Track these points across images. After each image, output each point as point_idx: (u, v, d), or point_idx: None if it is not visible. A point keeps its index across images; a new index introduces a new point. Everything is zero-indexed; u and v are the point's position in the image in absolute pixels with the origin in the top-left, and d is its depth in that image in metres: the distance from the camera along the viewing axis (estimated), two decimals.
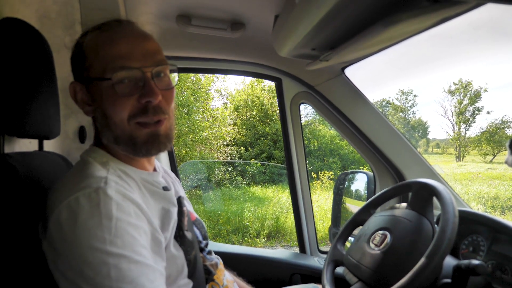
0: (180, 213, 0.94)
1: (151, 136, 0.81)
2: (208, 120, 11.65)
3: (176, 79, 0.90)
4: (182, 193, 1.14)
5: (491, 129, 23.65)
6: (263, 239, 6.70)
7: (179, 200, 0.97)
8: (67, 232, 0.66)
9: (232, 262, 1.31)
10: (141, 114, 0.80)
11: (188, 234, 0.94)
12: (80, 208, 0.66)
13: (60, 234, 0.67)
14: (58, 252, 0.67)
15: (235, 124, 13.07)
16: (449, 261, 0.93)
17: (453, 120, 27.32)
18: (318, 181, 10.45)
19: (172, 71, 0.88)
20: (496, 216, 1.12)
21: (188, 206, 1.09)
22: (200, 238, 1.07)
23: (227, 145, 12.26)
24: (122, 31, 0.82)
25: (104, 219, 0.66)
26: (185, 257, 0.87)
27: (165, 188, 0.92)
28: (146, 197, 0.82)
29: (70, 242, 0.65)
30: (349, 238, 1.30)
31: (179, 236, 0.89)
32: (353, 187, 2.17)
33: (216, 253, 1.17)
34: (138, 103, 0.79)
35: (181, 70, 0.87)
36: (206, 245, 1.10)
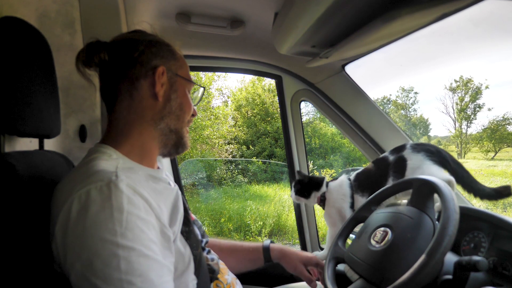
0: (185, 209, 0.96)
1: (187, 139, 0.99)
2: (209, 119, 11.64)
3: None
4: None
5: (492, 126, 23.58)
6: (265, 237, 6.71)
7: (182, 199, 0.99)
8: (78, 224, 0.66)
9: None
10: (189, 122, 1.00)
11: (192, 230, 0.97)
12: (91, 201, 0.67)
13: (71, 226, 0.67)
14: (68, 244, 0.67)
15: (236, 122, 13.06)
16: (450, 258, 0.93)
17: (455, 117, 27.24)
18: None
19: None
20: (498, 213, 1.12)
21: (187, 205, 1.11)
22: (200, 237, 1.08)
23: (229, 143, 12.25)
24: None
25: (115, 212, 0.67)
26: (191, 251, 0.89)
27: (170, 184, 0.94)
28: (154, 193, 0.82)
29: (80, 234, 0.66)
30: (350, 235, 1.30)
31: (185, 232, 0.91)
32: None
33: None
34: (191, 113, 0.99)
35: None
36: (206, 243, 1.11)
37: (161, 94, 0.90)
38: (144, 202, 0.74)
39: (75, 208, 0.67)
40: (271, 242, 1.42)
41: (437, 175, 1.27)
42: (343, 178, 1.63)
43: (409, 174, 1.38)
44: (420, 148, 1.43)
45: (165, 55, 0.93)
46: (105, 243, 0.64)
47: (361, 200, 1.53)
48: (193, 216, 1.12)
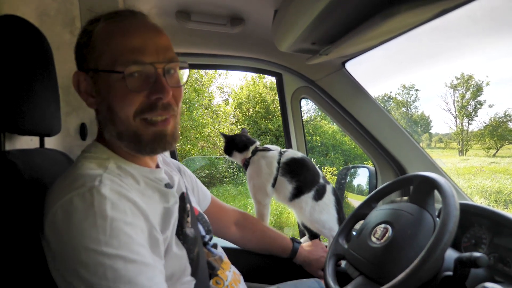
0: (183, 209, 0.92)
1: (157, 135, 0.80)
2: (210, 117, 11.65)
3: (185, 77, 0.91)
4: (187, 184, 1.13)
5: (494, 123, 23.58)
6: None
7: (182, 197, 0.95)
8: (62, 233, 0.65)
9: (235, 256, 1.31)
10: (149, 110, 0.78)
11: (190, 232, 0.93)
12: (73, 209, 0.65)
13: (56, 235, 0.66)
14: (55, 253, 0.67)
15: (237, 120, 13.06)
16: (451, 254, 0.92)
17: (456, 114, 27.27)
18: None
19: (182, 68, 0.88)
20: (499, 209, 1.12)
21: (192, 200, 1.08)
22: (204, 232, 1.05)
23: None
24: (136, 23, 0.79)
25: (98, 219, 0.65)
26: (188, 255, 0.86)
27: (168, 185, 0.90)
28: (146, 195, 0.81)
29: (65, 243, 0.65)
30: (351, 232, 1.30)
31: (182, 234, 0.87)
32: (355, 182, 2.17)
33: None
34: (148, 99, 0.78)
35: (181, 67, 0.87)
36: (210, 239, 1.09)
37: (90, 102, 0.82)
38: (131, 205, 0.72)
39: (59, 217, 0.66)
40: (299, 243, 1.51)
41: (328, 220, 1.62)
42: (275, 155, 1.69)
43: (322, 206, 1.63)
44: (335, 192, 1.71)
45: (83, 51, 0.81)
46: (90, 253, 0.63)
47: (285, 183, 1.65)
48: (198, 209, 1.09)
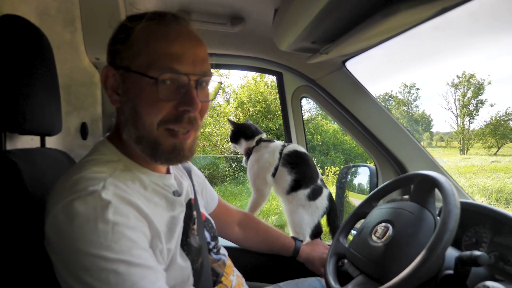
0: (189, 217, 0.91)
1: (176, 147, 0.79)
2: (211, 117, 11.64)
3: (212, 88, 0.87)
4: (197, 187, 1.13)
5: (495, 122, 23.57)
6: None
7: (189, 204, 0.94)
8: (63, 237, 0.64)
9: (236, 256, 1.32)
10: (174, 121, 0.77)
11: (195, 241, 0.92)
12: (75, 213, 0.64)
13: (57, 237, 0.65)
14: (57, 256, 0.67)
15: (238, 120, 13.05)
16: (452, 253, 0.92)
17: (457, 113, 27.25)
18: (323, 176, 10.44)
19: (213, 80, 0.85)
20: (500, 208, 1.12)
21: (200, 204, 1.06)
22: (209, 239, 1.04)
23: None
24: (178, 29, 0.78)
25: (100, 223, 0.64)
26: (191, 266, 0.85)
27: (175, 193, 0.89)
28: (152, 202, 0.80)
29: (66, 247, 0.64)
30: (351, 231, 1.30)
31: (186, 245, 0.87)
32: (355, 181, 2.16)
33: None
34: (175, 110, 0.77)
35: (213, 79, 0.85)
36: (215, 246, 1.07)
37: (114, 100, 0.80)
38: (135, 210, 0.71)
39: (61, 220, 0.65)
40: (301, 241, 1.52)
41: (307, 223, 1.64)
42: (278, 146, 1.73)
43: (312, 208, 1.66)
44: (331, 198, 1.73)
45: (118, 47, 0.79)
46: (91, 258, 0.63)
47: (285, 173, 1.68)
48: (205, 215, 1.07)
